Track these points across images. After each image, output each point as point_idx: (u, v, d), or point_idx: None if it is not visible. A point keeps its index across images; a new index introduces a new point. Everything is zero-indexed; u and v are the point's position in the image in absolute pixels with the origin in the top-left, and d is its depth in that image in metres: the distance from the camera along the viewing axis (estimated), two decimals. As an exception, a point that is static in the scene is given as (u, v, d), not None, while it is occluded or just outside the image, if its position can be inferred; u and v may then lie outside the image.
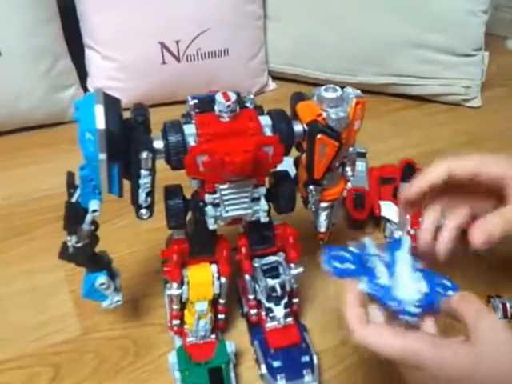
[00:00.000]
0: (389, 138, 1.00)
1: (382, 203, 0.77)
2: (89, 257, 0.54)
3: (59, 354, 0.61)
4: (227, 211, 0.52)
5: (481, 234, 0.49)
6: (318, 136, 0.50)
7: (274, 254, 0.60)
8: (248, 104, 0.52)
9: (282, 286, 0.58)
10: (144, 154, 0.47)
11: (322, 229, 0.59)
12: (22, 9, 0.87)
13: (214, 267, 0.58)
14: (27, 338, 0.63)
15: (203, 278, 0.57)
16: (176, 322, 0.59)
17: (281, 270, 0.59)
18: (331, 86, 0.51)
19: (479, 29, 1.06)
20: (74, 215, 0.49)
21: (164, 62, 0.99)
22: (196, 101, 0.50)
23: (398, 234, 0.74)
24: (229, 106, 0.48)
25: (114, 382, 0.60)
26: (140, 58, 0.98)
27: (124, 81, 0.98)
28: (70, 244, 0.51)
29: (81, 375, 0.60)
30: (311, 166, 0.53)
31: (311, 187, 0.55)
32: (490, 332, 0.43)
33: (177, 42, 0.98)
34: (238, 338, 0.63)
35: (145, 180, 0.48)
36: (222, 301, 0.60)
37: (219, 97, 0.48)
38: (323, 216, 0.59)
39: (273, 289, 0.58)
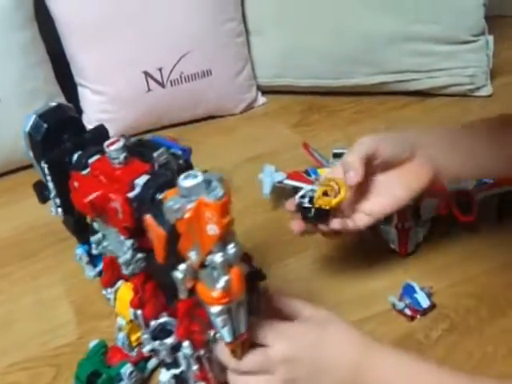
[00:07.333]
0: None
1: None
2: (73, 229, 0.66)
3: (60, 356, 0.73)
4: (109, 245, 0.58)
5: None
6: (145, 216, 0.48)
7: None
8: (155, 160, 0.52)
9: (154, 350, 0.57)
10: (42, 163, 0.58)
11: (226, 338, 0.49)
12: (15, 57, 1.01)
13: None
14: (33, 344, 0.74)
15: (126, 298, 0.61)
16: None
17: (171, 339, 0.56)
18: (194, 173, 0.44)
19: (477, 12, 1.04)
20: (40, 190, 0.64)
21: (149, 90, 1.10)
22: (124, 141, 0.53)
23: None
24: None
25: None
26: (126, 89, 1.09)
27: (114, 112, 1.10)
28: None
29: (79, 372, 0.70)
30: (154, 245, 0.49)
31: (175, 273, 0.47)
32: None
33: (160, 70, 1.09)
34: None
35: (49, 184, 0.60)
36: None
37: (106, 142, 0.53)
38: (214, 322, 0.49)
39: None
